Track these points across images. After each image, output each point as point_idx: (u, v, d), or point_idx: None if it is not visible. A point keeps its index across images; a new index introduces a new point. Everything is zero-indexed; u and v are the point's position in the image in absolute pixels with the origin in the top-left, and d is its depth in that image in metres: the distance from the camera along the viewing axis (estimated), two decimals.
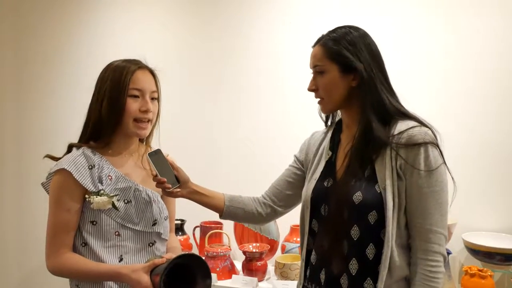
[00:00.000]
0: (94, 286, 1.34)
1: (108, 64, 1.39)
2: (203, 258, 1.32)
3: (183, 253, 1.27)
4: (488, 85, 2.06)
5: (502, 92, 2.05)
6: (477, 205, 2.06)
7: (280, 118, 2.44)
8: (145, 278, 1.23)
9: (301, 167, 1.44)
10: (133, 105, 1.34)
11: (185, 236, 2.38)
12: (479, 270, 1.86)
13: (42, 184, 1.39)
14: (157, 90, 1.42)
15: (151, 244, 1.40)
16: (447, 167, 1.18)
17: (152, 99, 1.39)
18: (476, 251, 1.91)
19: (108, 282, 1.33)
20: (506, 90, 2.04)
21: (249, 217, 1.47)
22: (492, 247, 1.86)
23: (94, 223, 1.33)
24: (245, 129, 2.52)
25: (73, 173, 1.30)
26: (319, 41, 1.28)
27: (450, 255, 1.97)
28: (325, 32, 1.28)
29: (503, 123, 2.04)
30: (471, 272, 1.86)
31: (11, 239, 3.05)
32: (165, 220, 1.45)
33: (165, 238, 1.46)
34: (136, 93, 1.35)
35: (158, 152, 1.33)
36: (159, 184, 1.31)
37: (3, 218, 3.02)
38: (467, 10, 2.09)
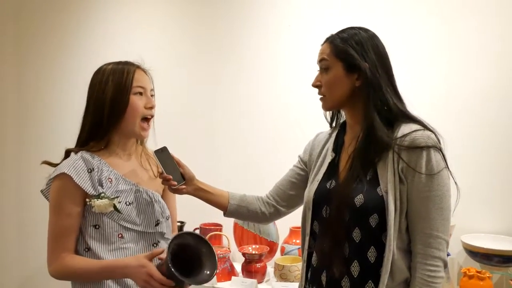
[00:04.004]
0: (93, 287, 1.33)
1: (101, 69, 1.40)
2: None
3: (180, 232, 1.25)
4: (488, 86, 2.07)
5: (502, 93, 2.05)
6: (475, 207, 2.06)
7: (280, 118, 2.44)
8: (149, 264, 1.21)
9: (305, 168, 1.45)
10: (138, 103, 1.36)
11: None
12: (478, 272, 1.86)
13: (42, 191, 1.39)
14: (153, 88, 1.45)
15: (155, 245, 1.40)
16: (450, 171, 1.18)
17: (151, 96, 1.42)
18: (475, 253, 1.91)
19: (107, 281, 1.32)
20: (505, 92, 2.05)
21: (252, 216, 1.49)
22: (491, 248, 1.86)
23: (97, 226, 1.33)
24: (245, 130, 2.52)
25: (73, 177, 1.30)
26: (327, 39, 1.29)
27: (449, 257, 1.97)
28: (332, 32, 1.29)
29: (503, 125, 2.05)
30: (470, 273, 1.87)
31: (11, 240, 3.04)
32: (167, 220, 1.45)
33: (168, 238, 1.46)
34: (140, 90, 1.38)
35: (164, 149, 1.34)
36: (165, 181, 1.33)
37: (3, 219, 3.01)
38: (467, 10, 2.10)
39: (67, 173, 1.30)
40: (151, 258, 1.23)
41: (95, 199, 1.30)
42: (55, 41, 2.93)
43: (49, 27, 2.94)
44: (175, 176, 1.34)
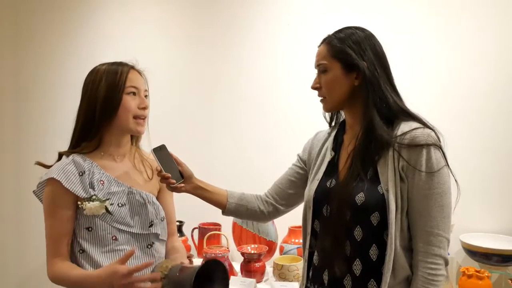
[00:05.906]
0: None
1: (95, 69, 1.40)
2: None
3: (206, 261, 1.23)
4: (487, 85, 2.08)
5: (501, 93, 2.06)
6: (474, 207, 2.07)
7: (280, 117, 2.44)
8: (120, 267, 1.19)
9: (304, 167, 1.45)
10: (131, 103, 1.36)
11: (183, 238, 2.38)
12: (477, 271, 1.87)
13: (34, 192, 1.39)
14: (147, 88, 1.45)
15: (149, 246, 1.39)
16: (450, 169, 1.18)
17: (145, 96, 1.42)
18: (474, 252, 1.92)
19: None
20: (504, 90, 2.06)
21: (251, 214, 1.48)
22: (490, 248, 1.87)
23: (90, 229, 1.32)
24: (243, 129, 2.52)
25: (62, 182, 1.30)
26: (324, 40, 1.29)
27: (448, 256, 1.98)
28: (330, 32, 1.29)
29: (502, 124, 2.06)
30: (469, 273, 1.87)
31: (10, 240, 3.02)
32: (161, 221, 1.44)
33: (163, 239, 1.45)
34: (134, 90, 1.37)
35: (162, 147, 1.34)
36: (164, 179, 1.32)
37: (2, 219, 2.99)
38: (467, 9, 2.11)
39: (57, 178, 1.30)
40: (123, 262, 1.21)
41: (86, 202, 1.30)
42: (52, 41, 2.92)
43: (46, 27, 2.93)
44: (173, 174, 1.33)
